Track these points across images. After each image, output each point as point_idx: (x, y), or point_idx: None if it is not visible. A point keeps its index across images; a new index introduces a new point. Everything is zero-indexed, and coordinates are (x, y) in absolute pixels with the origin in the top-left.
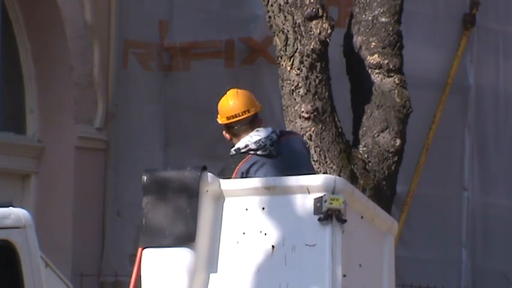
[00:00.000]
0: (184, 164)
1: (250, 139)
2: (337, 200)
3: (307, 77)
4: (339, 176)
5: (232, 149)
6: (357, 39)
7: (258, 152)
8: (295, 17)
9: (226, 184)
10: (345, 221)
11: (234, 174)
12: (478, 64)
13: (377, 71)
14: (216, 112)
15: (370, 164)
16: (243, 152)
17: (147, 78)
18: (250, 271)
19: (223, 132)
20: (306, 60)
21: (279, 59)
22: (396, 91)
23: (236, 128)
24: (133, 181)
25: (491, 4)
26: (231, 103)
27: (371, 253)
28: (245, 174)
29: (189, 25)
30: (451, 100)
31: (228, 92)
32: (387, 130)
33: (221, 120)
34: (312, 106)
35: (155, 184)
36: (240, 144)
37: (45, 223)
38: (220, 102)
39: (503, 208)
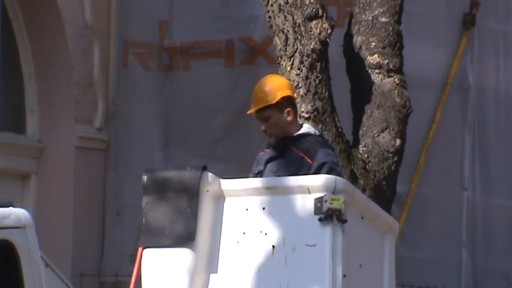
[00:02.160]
0: (184, 164)
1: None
2: (337, 200)
3: (307, 77)
4: None
5: (316, 131)
6: (357, 39)
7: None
8: (295, 17)
9: (226, 184)
10: (345, 221)
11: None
12: (478, 64)
13: (377, 71)
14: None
15: (370, 164)
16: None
17: (147, 78)
18: (250, 271)
19: (289, 110)
20: (306, 60)
21: (279, 59)
22: (396, 91)
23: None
24: (133, 181)
25: (491, 4)
26: None
27: (371, 253)
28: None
29: (189, 25)
30: (451, 100)
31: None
32: (387, 130)
33: (296, 94)
34: (312, 106)
35: (155, 184)
36: (316, 131)
37: (45, 223)
38: (283, 80)
39: (503, 208)
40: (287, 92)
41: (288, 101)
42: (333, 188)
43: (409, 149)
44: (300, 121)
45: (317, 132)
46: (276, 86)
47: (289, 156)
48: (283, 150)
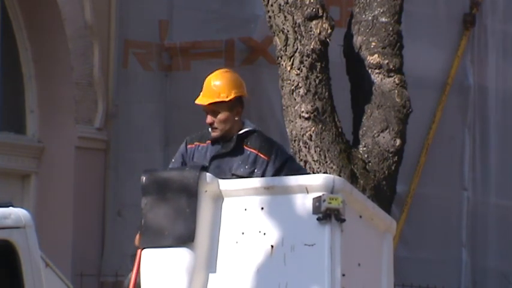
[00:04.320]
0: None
1: None
2: (335, 199)
3: (307, 77)
4: (339, 176)
5: (256, 127)
6: (357, 39)
7: None
8: (295, 17)
9: (225, 184)
10: (343, 220)
11: None
12: (478, 64)
13: (377, 71)
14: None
15: (370, 164)
16: None
17: (147, 78)
18: (249, 271)
19: (238, 110)
20: (306, 60)
21: (279, 59)
22: (396, 91)
23: None
24: (133, 181)
25: (491, 4)
26: None
27: (370, 252)
28: None
29: (189, 25)
30: (451, 100)
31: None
32: (387, 130)
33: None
34: (312, 106)
35: (154, 184)
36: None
37: (45, 223)
38: (239, 78)
39: (503, 208)
40: (241, 92)
41: (239, 101)
42: (331, 188)
43: (409, 149)
44: (299, 121)
45: (257, 128)
46: (231, 82)
47: (242, 153)
48: (234, 147)
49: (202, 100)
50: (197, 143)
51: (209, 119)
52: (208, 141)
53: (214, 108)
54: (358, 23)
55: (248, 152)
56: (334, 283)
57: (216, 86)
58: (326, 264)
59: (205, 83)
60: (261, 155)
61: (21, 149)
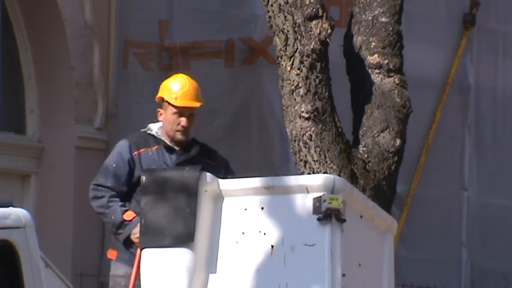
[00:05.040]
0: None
1: None
2: (336, 199)
3: (307, 77)
4: (339, 176)
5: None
6: (357, 39)
7: None
8: (295, 17)
9: (225, 184)
10: (344, 220)
11: None
12: (478, 64)
13: (377, 71)
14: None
15: (370, 164)
16: None
17: (147, 78)
18: (249, 271)
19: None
20: (306, 60)
21: (279, 59)
22: (396, 91)
23: None
24: None
25: (491, 4)
26: None
27: (370, 252)
28: None
29: (189, 25)
30: (451, 100)
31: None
32: (387, 130)
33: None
34: (312, 106)
35: (154, 184)
36: None
37: (45, 223)
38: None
39: (503, 208)
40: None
41: None
42: (332, 188)
43: (409, 149)
44: (299, 121)
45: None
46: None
47: (197, 161)
48: (192, 155)
49: (190, 103)
50: (143, 149)
51: (184, 122)
52: (158, 146)
53: (193, 112)
54: (358, 23)
55: (200, 160)
56: (334, 283)
57: (196, 90)
58: (326, 265)
59: (181, 85)
60: (211, 162)
61: (21, 149)
